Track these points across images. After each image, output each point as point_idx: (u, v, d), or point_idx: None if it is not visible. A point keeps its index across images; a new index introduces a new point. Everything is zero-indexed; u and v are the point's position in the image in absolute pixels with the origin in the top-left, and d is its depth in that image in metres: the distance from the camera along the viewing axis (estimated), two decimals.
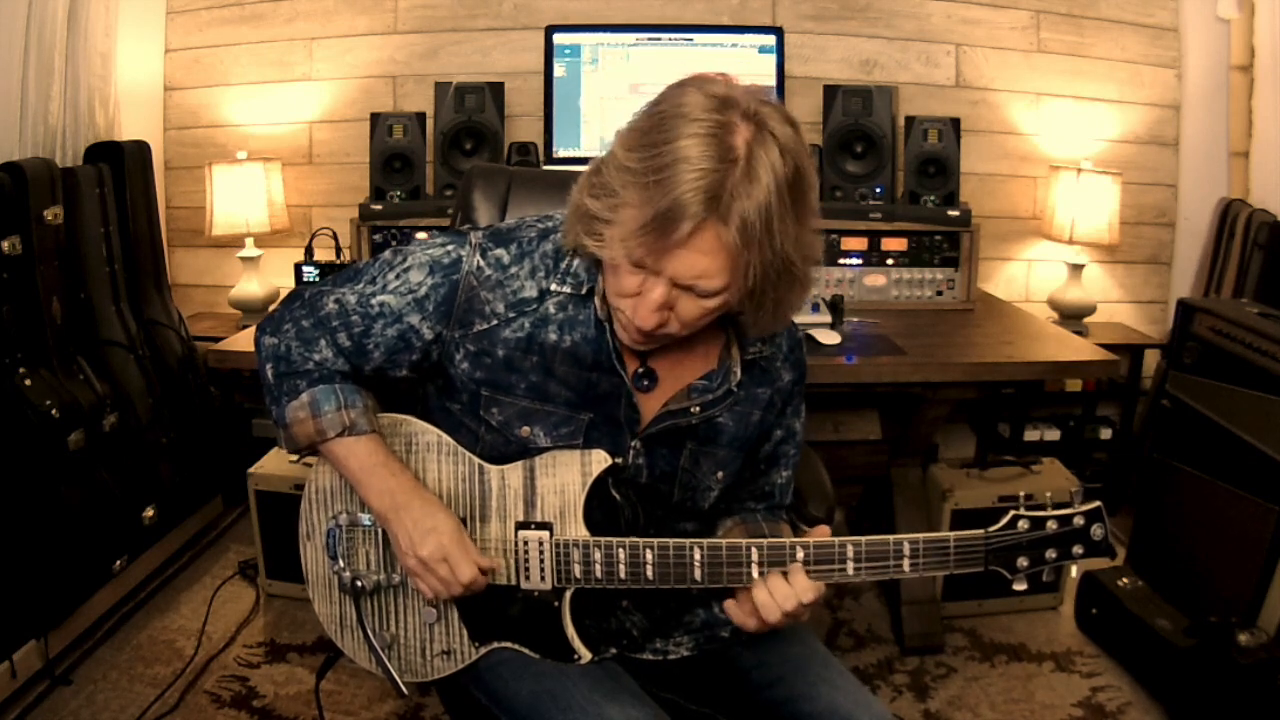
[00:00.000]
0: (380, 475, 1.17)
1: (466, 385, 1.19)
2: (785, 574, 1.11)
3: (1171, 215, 3.19)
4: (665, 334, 1.10)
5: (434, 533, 1.14)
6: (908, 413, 2.38)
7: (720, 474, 1.25)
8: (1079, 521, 1.11)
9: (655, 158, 0.98)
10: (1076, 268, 3.02)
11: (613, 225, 1.02)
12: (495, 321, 1.17)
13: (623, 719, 1.11)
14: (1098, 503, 1.11)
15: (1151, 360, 3.06)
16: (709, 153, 0.97)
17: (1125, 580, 2.33)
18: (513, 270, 1.17)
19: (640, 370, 1.20)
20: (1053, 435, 3.09)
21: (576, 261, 1.17)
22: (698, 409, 1.19)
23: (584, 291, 1.16)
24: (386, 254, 1.22)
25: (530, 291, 1.17)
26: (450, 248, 1.19)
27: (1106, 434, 3.10)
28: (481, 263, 1.17)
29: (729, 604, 1.16)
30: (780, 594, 1.11)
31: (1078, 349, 2.26)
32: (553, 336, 1.16)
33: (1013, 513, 1.11)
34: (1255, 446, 2.02)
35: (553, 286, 1.17)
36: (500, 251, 1.18)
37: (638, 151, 1.00)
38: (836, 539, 1.12)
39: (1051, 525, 1.11)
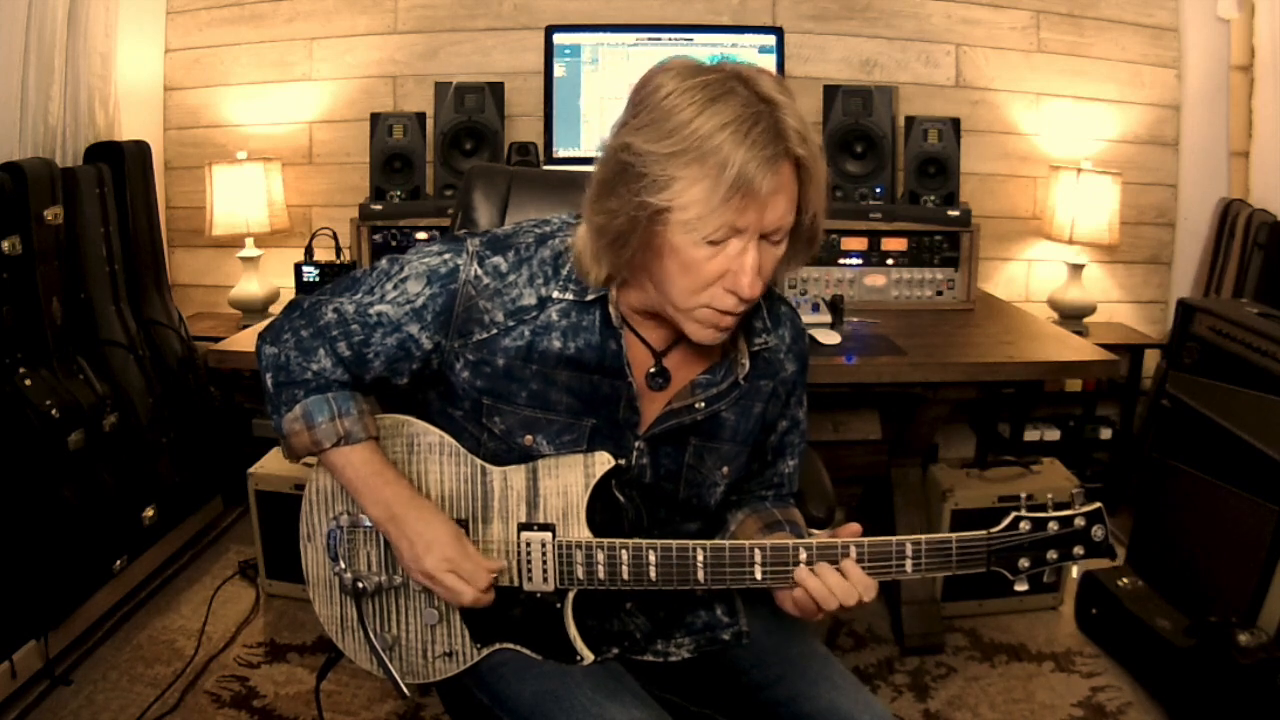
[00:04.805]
0: (374, 485, 1.16)
1: (468, 393, 1.19)
2: (839, 568, 1.10)
3: (1171, 215, 3.19)
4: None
5: (435, 544, 1.14)
6: (908, 413, 2.38)
7: (725, 469, 1.25)
8: (1080, 523, 1.11)
9: (694, 131, 0.98)
10: (1076, 268, 3.03)
11: (680, 210, 1.00)
12: (495, 330, 1.16)
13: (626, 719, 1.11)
14: (1098, 504, 1.12)
15: (1151, 360, 3.05)
16: (739, 103, 0.99)
17: (1125, 580, 2.33)
18: (511, 278, 1.16)
19: (653, 370, 1.19)
20: (1053, 435, 3.09)
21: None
22: (702, 404, 1.19)
23: (587, 298, 1.15)
24: (383, 263, 1.20)
25: (529, 299, 1.16)
26: (447, 256, 1.17)
27: (1106, 434, 3.10)
28: (479, 271, 1.16)
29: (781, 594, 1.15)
30: (839, 588, 1.09)
31: (1078, 349, 2.26)
32: (556, 344, 1.15)
33: (1015, 514, 1.12)
34: (1255, 446, 2.02)
35: (554, 293, 1.15)
36: (498, 259, 1.17)
37: (670, 138, 0.99)
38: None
39: (1053, 526, 1.11)
